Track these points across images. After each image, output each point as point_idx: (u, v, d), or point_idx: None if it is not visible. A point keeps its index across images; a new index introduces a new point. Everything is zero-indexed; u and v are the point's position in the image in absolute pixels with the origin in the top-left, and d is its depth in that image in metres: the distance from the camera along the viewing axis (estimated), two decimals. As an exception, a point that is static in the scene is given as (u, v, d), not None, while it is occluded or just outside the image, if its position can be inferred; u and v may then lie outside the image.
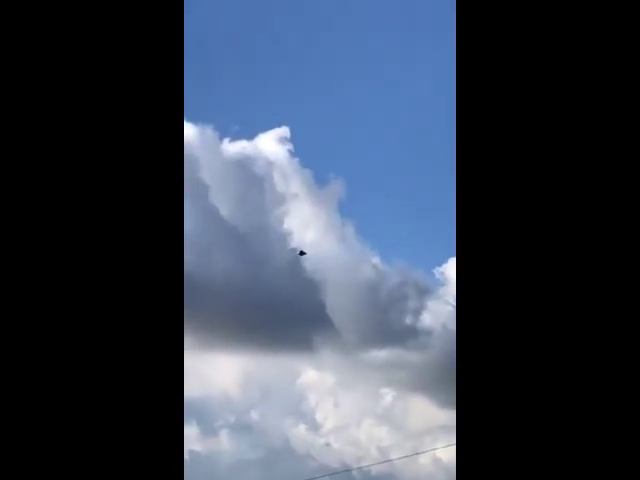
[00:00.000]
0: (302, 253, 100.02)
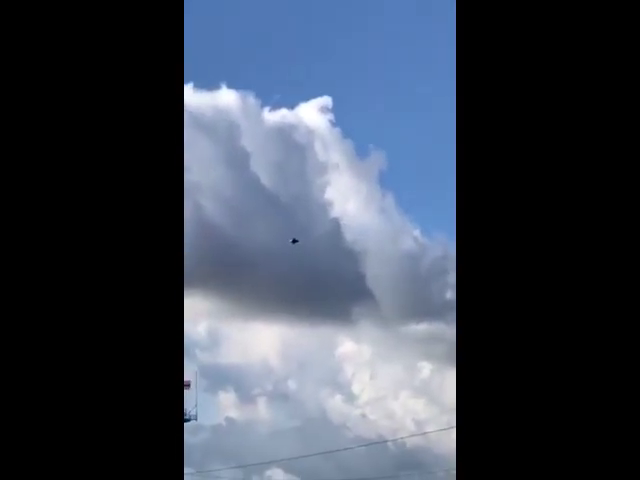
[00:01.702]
0: (295, 241, 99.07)
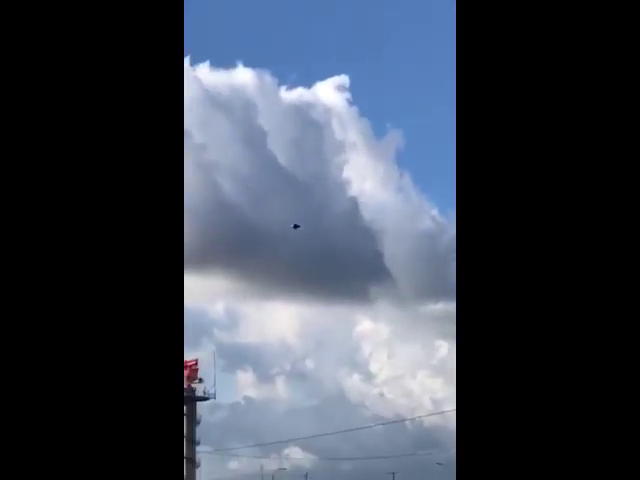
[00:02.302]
0: (296, 226, 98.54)
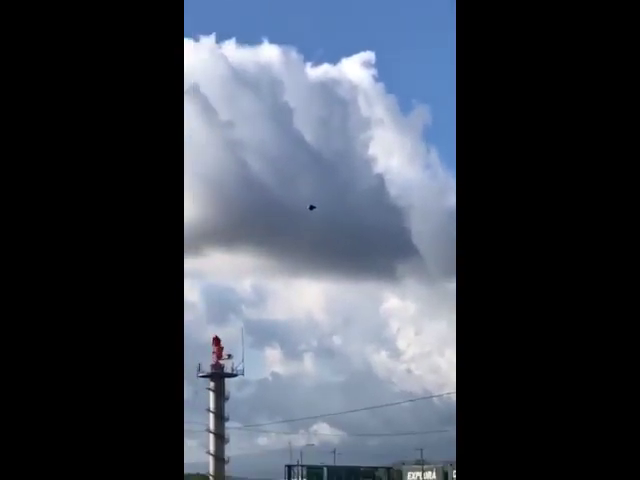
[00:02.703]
0: (312, 207, 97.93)
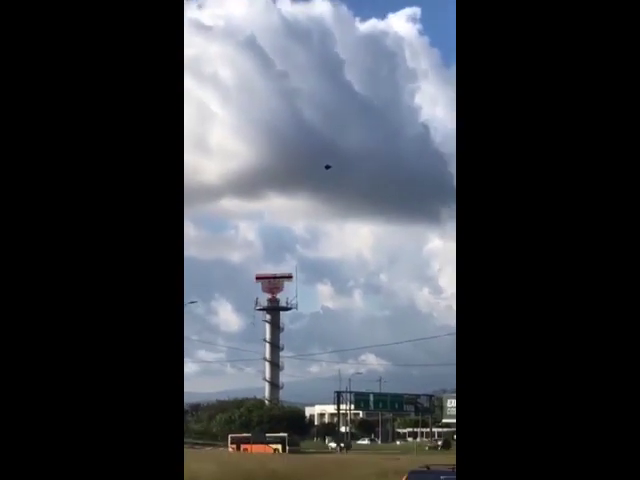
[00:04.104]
0: (328, 167, 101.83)
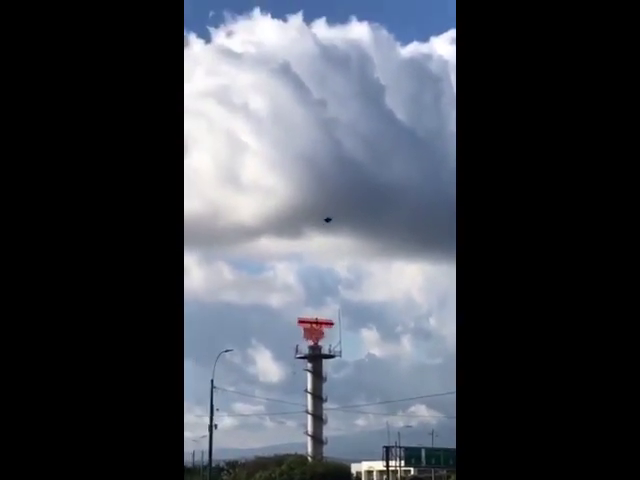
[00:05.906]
0: (328, 220, 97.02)
